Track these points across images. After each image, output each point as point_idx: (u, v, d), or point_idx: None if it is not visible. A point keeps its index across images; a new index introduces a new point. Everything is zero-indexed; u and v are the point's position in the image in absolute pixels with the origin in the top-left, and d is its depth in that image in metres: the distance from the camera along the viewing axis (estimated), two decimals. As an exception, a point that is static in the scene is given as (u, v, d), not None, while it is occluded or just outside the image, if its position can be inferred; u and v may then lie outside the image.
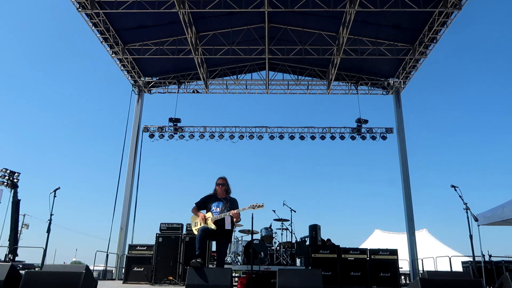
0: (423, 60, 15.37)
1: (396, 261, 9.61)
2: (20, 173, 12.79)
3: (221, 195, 6.15)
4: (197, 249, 5.61)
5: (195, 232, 5.86)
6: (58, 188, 6.12)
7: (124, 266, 9.97)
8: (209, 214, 5.96)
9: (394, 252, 9.73)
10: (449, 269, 12.88)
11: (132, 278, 9.72)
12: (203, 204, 6.15)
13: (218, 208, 5.97)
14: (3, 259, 12.59)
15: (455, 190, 6.92)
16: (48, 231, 6.05)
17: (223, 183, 6.18)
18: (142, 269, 9.77)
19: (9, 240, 12.46)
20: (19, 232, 20.40)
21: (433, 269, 12.95)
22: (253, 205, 5.69)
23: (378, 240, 31.18)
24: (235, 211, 5.81)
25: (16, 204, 12.62)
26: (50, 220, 6.02)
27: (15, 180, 12.67)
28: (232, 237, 6.27)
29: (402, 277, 17.13)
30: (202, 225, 5.87)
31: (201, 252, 5.60)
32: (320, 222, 11.54)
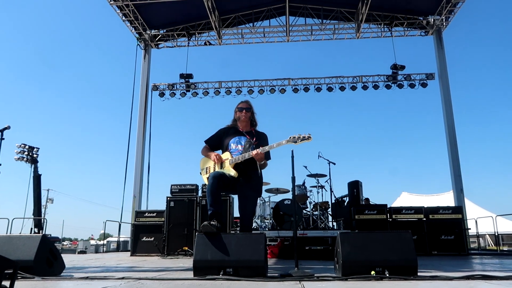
0: (473, -13, 12.91)
1: (461, 221, 7.72)
2: (39, 148, 12.79)
3: (244, 128, 4.18)
4: (209, 207, 3.71)
5: (206, 181, 3.96)
6: (7, 128, 4.43)
7: (131, 236, 8.49)
8: (226, 155, 4.03)
9: (458, 210, 7.84)
10: (493, 230, 11.56)
11: (141, 250, 8.25)
12: (217, 141, 4.21)
13: (239, 146, 4.03)
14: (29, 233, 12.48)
15: None
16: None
17: (247, 107, 4.16)
18: (152, 239, 8.24)
19: (33, 215, 12.46)
20: (43, 206, 20.64)
21: (475, 230, 11.49)
22: (294, 137, 3.66)
23: (406, 203, 29.45)
24: (267, 147, 3.86)
25: (37, 179, 12.60)
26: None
27: (35, 155, 12.65)
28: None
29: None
30: (216, 169, 3.98)
31: (215, 210, 3.68)
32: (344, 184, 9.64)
